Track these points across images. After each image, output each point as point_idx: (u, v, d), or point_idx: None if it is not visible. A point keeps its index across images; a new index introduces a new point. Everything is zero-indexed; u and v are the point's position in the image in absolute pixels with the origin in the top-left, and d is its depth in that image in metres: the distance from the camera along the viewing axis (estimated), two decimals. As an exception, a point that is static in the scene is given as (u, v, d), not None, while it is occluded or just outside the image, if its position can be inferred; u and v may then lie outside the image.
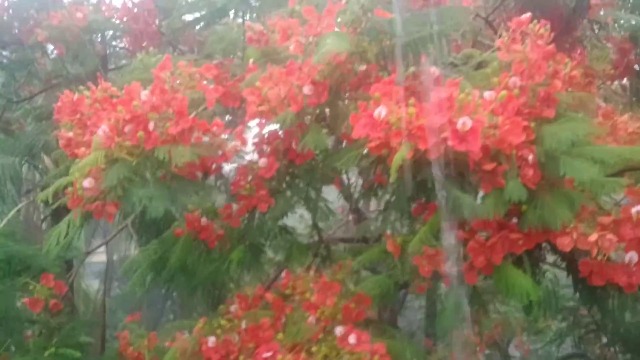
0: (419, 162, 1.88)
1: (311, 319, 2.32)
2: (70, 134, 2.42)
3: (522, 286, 1.90)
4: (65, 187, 2.25)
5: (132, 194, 2.11)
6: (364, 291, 2.25)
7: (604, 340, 5.61)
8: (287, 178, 2.49)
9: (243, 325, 2.40)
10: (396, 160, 1.75)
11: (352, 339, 2.14)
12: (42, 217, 5.75)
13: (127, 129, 2.16)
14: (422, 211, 2.14)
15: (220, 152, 2.31)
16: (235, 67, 2.73)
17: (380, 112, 1.82)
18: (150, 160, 2.17)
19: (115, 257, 8.44)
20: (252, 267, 2.57)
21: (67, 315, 4.23)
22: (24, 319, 3.96)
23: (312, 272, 2.56)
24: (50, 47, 4.43)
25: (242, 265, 2.54)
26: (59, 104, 2.68)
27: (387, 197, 2.34)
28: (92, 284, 7.72)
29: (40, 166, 5.63)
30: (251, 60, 2.57)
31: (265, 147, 2.55)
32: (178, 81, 2.33)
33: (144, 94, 2.17)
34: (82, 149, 2.29)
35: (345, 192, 2.95)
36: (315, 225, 2.86)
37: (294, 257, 2.57)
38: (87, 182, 2.10)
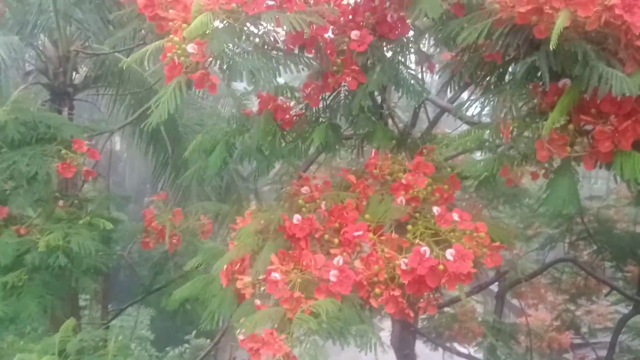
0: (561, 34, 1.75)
1: (400, 199, 2.26)
2: (153, -6, 2.14)
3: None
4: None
5: (239, 64, 1.92)
6: (466, 172, 2.17)
7: (594, 247, 5.85)
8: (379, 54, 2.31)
9: (323, 206, 2.32)
10: (558, 26, 1.62)
11: (455, 216, 2.10)
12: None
13: (223, -9, 1.94)
14: (541, 93, 2.03)
15: (323, 21, 2.10)
16: None
17: (540, -27, 1.66)
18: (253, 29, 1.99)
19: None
20: (334, 146, 2.45)
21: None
22: (55, 187, 3.75)
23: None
24: None
25: (324, 145, 2.41)
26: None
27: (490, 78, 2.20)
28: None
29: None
30: None
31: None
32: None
33: (244, -48, 1.92)
34: (171, 11, 2.04)
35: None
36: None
37: (377, 139, 2.45)
38: (192, 47, 1.88)
